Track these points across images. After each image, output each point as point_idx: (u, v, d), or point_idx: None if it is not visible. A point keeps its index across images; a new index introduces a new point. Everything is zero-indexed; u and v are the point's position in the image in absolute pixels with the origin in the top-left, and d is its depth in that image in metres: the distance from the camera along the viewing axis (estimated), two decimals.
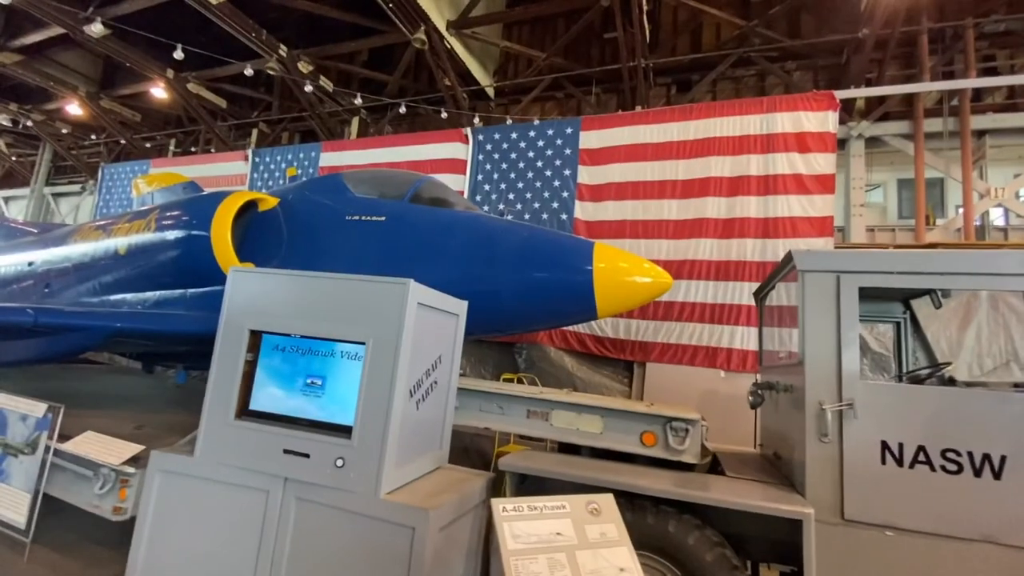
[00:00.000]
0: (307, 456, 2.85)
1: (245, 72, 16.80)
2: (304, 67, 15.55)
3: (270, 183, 11.76)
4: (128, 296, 5.28)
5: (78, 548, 4.35)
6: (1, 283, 6.61)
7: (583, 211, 8.68)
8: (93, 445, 4.03)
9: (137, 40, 16.14)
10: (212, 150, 19.56)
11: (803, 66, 12.95)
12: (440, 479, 3.35)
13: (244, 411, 3.03)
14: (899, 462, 2.90)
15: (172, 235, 4.97)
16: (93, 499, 3.82)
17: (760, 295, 4.76)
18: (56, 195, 24.40)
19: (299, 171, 11.41)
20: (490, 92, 16.00)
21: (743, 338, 7.53)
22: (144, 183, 8.66)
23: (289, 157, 11.79)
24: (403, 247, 4.46)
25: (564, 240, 4.34)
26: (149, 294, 5.16)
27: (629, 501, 3.11)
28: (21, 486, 4.07)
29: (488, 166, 9.45)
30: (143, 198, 8.53)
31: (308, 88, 15.09)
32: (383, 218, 4.61)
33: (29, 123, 21.21)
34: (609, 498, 2.73)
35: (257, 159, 12.16)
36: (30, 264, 6.28)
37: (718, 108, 8.44)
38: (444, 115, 14.35)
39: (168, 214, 5.16)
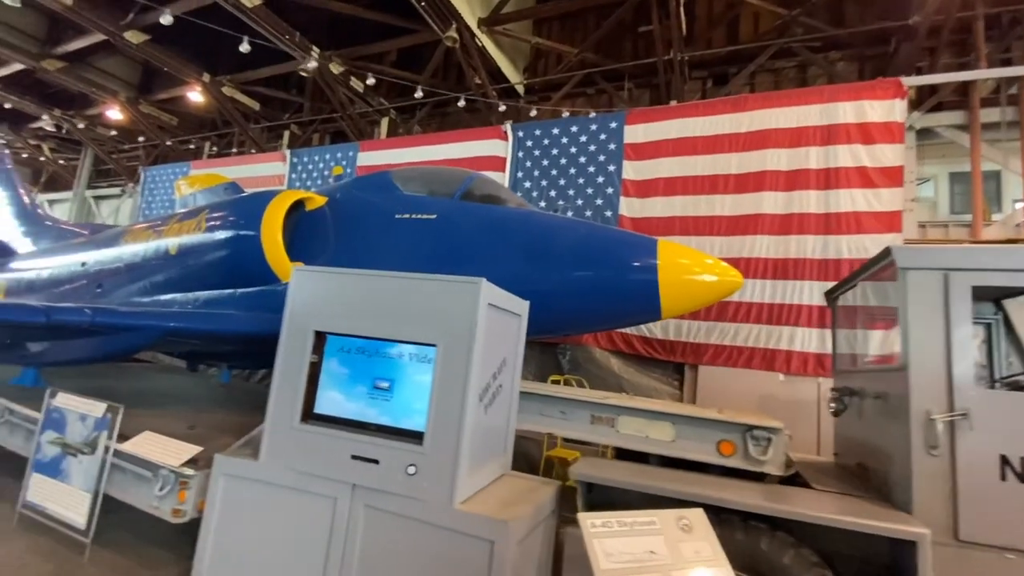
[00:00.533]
0: (376, 462, 2.71)
1: (281, 73, 17.06)
2: (336, 68, 15.59)
3: (308, 183, 11.77)
4: (178, 296, 5.25)
5: (136, 548, 4.30)
6: (55, 283, 6.70)
7: (629, 207, 8.37)
8: (152, 446, 3.97)
9: (175, 45, 16.47)
10: (253, 151, 19.87)
11: (847, 56, 12.42)
12: (509, 487, 3.18)
13: (309, 414, 2.91)
14: (1021, 478, 2.62)
15: (222, 235, 4.91)
16: (153, 500, 3.75)
17: (833, 295, 4.47)
18: (97, 198, 25.07)
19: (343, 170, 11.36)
20: (520, 89, 15.79)
21: (803, 340, 7.14)
22: (186, 184, 8.71)
23: (327, 157, 11.78)
24: (455, 246, 4.30)
25: (626, 237, 4.12)
26: (199, 294, 5.12)
27: (714, 515, 2.89)
28: (81, 486, 4.03)
29: (528, 163, 9.23)
30: (185, 199, 8.58)
31: (356, 86, 15.16)
32: (433, 216, 4.46)
33: (72, 128, 21.82)
34: (700, 513, 2.51)
35: (295, 159, 12.18)
36: (83, 264, 6.32)
37: (773, 99, 8.04)
38: (462, 102, 14.19)
39: (217, 214, 5.10)
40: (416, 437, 2.67)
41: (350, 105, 16.56)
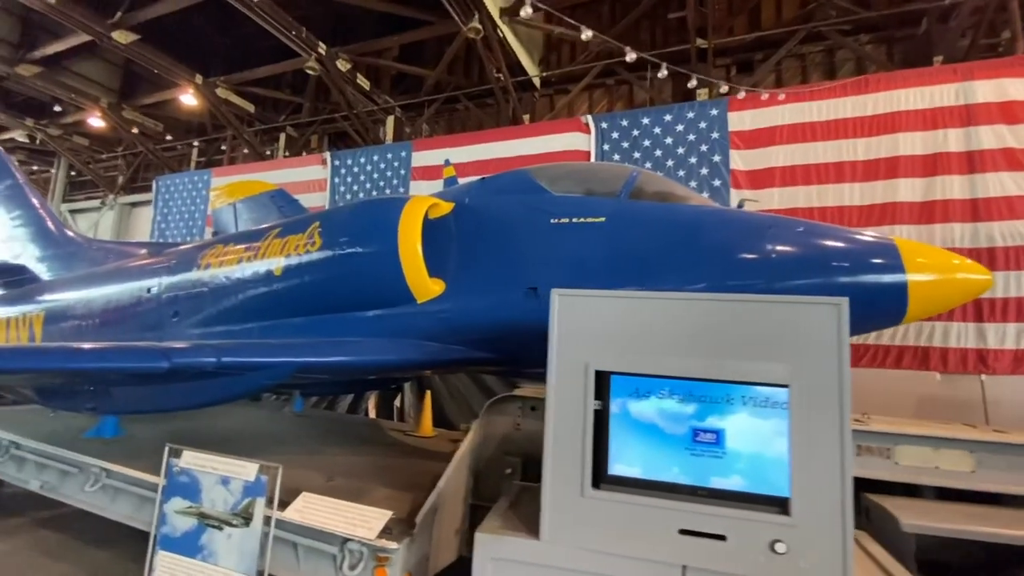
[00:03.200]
0: (723, 538, 2.08)
1: (278, 73, 15.84)
2: (343, 65, 14.55)
3: (354, 187, 10.77)
4: (283, 322, 4.43)
5: None
6: (112, 312, 5.68)
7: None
8: (324, 512, 3.21)
9: (163, 46, 15.10)
10: (238, 157, 18.52)
11: (876, 39, 12.17)
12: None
13: (602, 477, 2.25)
14: None
15: (347, 250, 4.12)
16: None
17: None
18: (74, 211, 23.13)
19: (391, 175, 10.33)
20: (536, 82, 15.09)
21: (959, 335, 6.64)
22: (224, 194, 7.74)
23: (375, 159, 10.81)
24: (637, 253, 3.66)
25: (854, 234, 3.56)
26: (310, 319, 4.32)
27: None
28: (236, 566, 3.24)
29: (616, 156, 8.57)
30: (222, 210, 7.61)
31: (362, 84, 14.16)
32: (602, 219, 3.79)
33: (46, 138, 19.99)
34: None
35: (337, 162, 11.14)
36: (149, 290, 5.36)
37: (900, 79, 7.49)
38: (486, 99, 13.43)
39: (337, 226, 4.29)
40: (776, 504, 2.05)
41: (357, 104, 15.49)
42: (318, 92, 17.43)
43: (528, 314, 3.83)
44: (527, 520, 2.43)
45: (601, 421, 2.30)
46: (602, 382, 2.32)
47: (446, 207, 4.38)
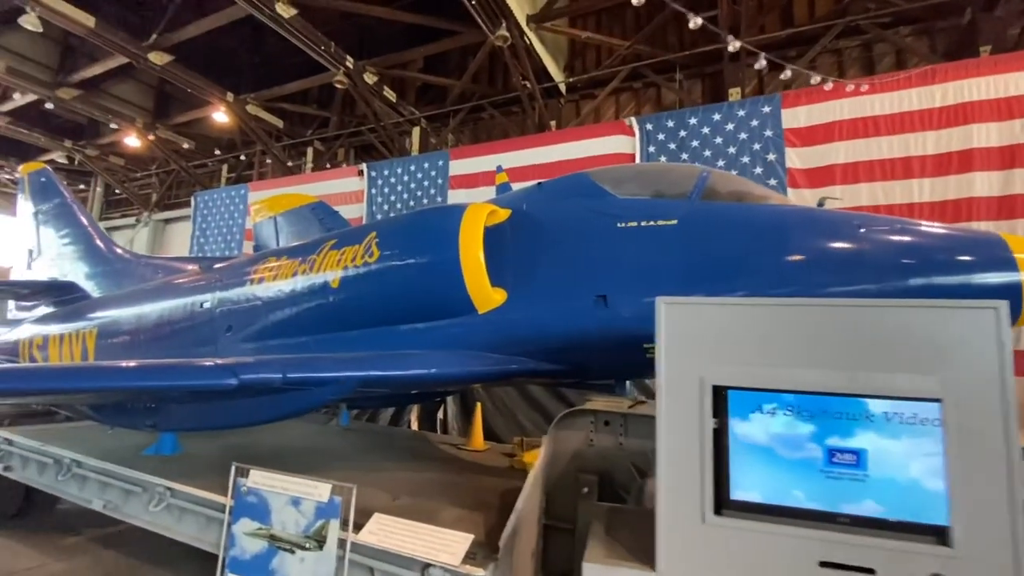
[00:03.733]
0: (871, 572, 1.85)
1: (304, 88, 16.01)
2: (369, 78, 14.63)
3: (392, 199, 10.72)
4: (339, 335, 4.32)
5: None
6: (166, 326, 5.62)
7: (799, 200, 7.33)
8: (402, 535, 3.05)
9: (195, 65, 15.39)
10: (267, 172, 18.76)
11: (917, 31, 11.74)
12: None
13: (724, 503, 2.05)
14: None
15: (406, 260, 3.99)
16: None
17: None
18: (110, 229, 23.68)
19: (428, 185, 10.21)
20: (562, 88, 14.95)
21: None
22: (264, 207, 7.72)
23: (412, 169, 10.75)
24: (716, 256, 3.45)
25: (956, 231, 3.30)
26: (366, 332, 4.19)
27: None
28: None
29: (663, 158, 8.36)
30: (263, 224, 7.59)
31: (389, 96, 14.23)
32: (673, 222, 3.59)
33: (84, 159, 20.57)
34: None
35: (373, 173, 11.12)
36: (203, 305, 5.32)
37: (970, 68, 7.17)
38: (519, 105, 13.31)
39: (396, 236, 4.17)
40: (932, 533, 1.83)
41: (384, 116, 15.54)
42: (344, 106, 17.58)
43: (597, 323, 3.66)
44: (634, 548, 2.22)
45: (719, 441, 2.10)
46: (719, 398, 2.12)
47: (503, 214, 4.23)
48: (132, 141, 18.26)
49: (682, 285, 3.44)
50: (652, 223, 3.67)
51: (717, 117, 8.30)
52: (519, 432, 6.67)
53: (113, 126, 17.76)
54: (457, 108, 15.74)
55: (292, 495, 3.25)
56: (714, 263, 3.47)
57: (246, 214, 12.61)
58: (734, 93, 11.27)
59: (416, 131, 16.07)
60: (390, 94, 15.38)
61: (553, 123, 14.66)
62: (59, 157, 21.51)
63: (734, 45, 12.08)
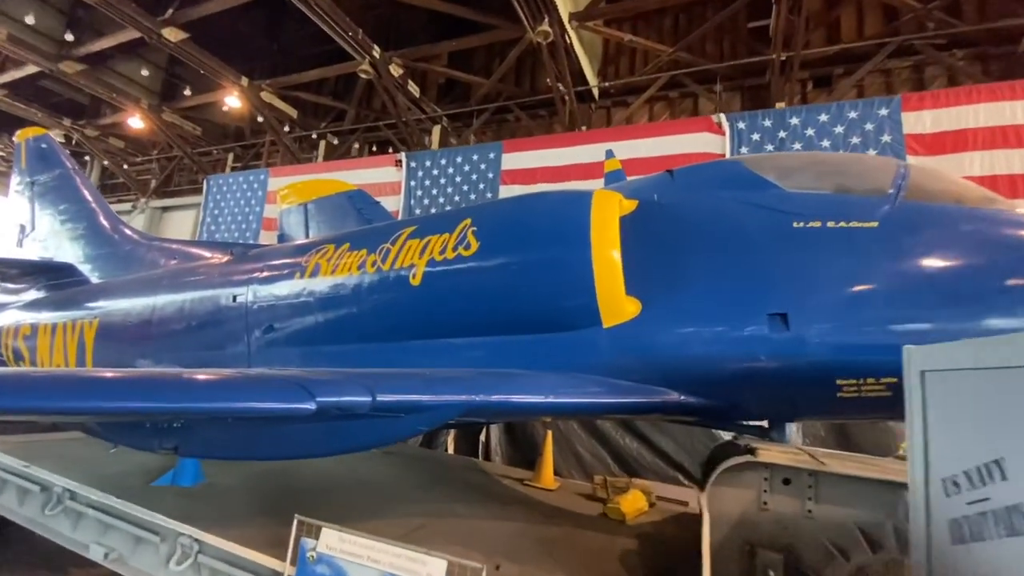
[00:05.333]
0: None
1: (323, 78, 15.08)
2: (395, 70, 13.77)
3: (433, 192, 9.76)
4: (416, 344, 3.41)
5: None
6: (186, 321, 4.57)
7: None
8: None
9: (209, 47, 14.41)
10: (276, 163, 17.72)
11: (970, 56, 11.21)
12: None
13: None
14: None
15: (517, 255, 3.11)
16: None
17: None
18: None
19: (476, 179, 9.24)
20: (595, 93, 14.23)
21: None
22: (292, 194, 6.76)
23: (458, 160, 9.82)
24: (940, 272, 2.63)
25: None
26: (456, 342, 3.29)
27: None
28: None
29: None
30: (291, 211, 6.63)
31: (413, 91, 13.40)
32: (873, 224, 2.77)
33: (83, 139, 19.33)
34: None
35: (413, 164, 10.14)
36: (235, 299, 4.33)
37: None
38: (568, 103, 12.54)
39: (504, 224, 3.29)
40: None
41: (406, 112, 14.64)
42: (362, 99, 16.63)
43: (771, 349, 2.80)
44: None
45: None
46: None
47: (628, 205, 3.36)
48: (135, 122, 17.13)
49: (894, 306, 2.62)
50: (843, 224, 2.84)
51: (824, 118, 7.49)
52: (578, 467, 5.77)
53: (116, 105, 16.62)
54: (482, 108, 14.95)
55: (385, 571, 2.30)
56: (939, 280, 2.64)
57: (264, 201, 11.54)
58: (779, 107, 10.64)
59: (437, 129, 15.19)
60: (414, 88, 14.55)
61: (583, 128, 13.89)
62: (56, 136, 20.21)
63: (782, 56, 11.47)
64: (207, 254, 5.68)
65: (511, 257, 3.16)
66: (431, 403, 2.56)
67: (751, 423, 3.31)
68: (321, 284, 3.89)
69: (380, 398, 2.43)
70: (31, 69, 15.21)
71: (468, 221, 3.37)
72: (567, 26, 11.54)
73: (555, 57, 11.86)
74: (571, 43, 11.95)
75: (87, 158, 22.17)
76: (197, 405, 2.07)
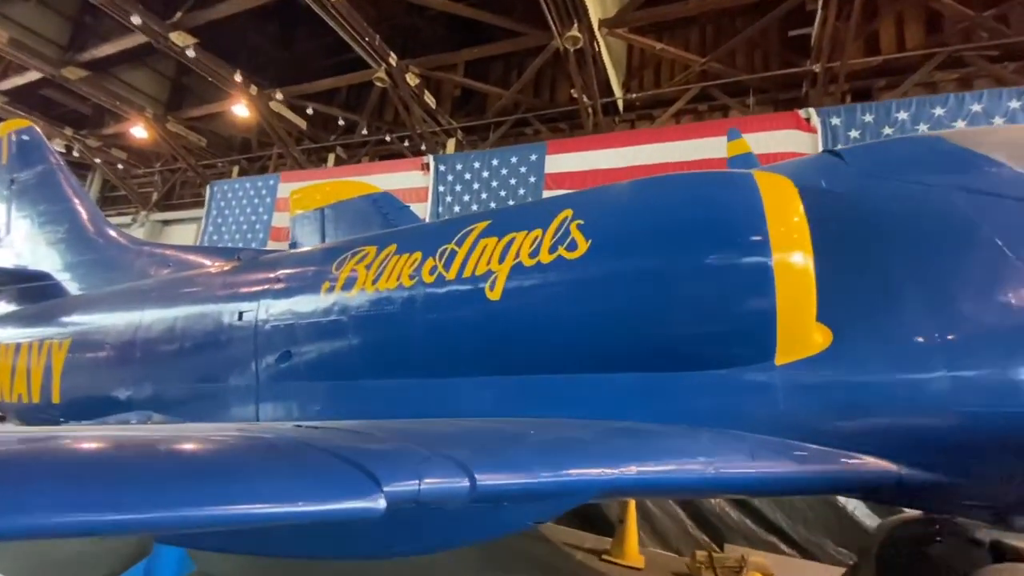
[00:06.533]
0: None
1: (334, 89, 14.31)
2: (411, 79, 13.02)
3: (465, 198, 8.79)
4: (496, 380, 2.40)
5: None
6: (173, 343, 3.50)
7: None
8: None
9: (218, 53, 13.70)
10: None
11: (1020, 68, 10.49)
12: None
13: None
14: None
15: (656, 261, 2.15)
16: None
17: None
18: None
19: (516, 183, 8.22)
20: (619, 105, 13.53)
21: None
22: (305, 197, 5.82)
23: (494, 163, 8.90)
24: None
25: None
26: (549, 379, 2.30)
27: None
28: None
29: None
30: (304, 217, 5.68)
31: (429, 102, 12.65)
32: None
33: (84, 149, 18.50)
34: None
35: (442, 167, 9.19)
36: (241, 316, 3.34)
37: None
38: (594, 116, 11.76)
39: (624, 216, 2.33)
40: None
41: (422, 124, 13.85)
42: (374, 110, 15.88)
43: None
44: None
45: None
46: None
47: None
48: (139, 132, 16.31)
49: None
50: None
51: (939, 112, 6.57)
52: (640, 521, 4.68)
53: (120, 114, 15.81)
54: (500, 120, 14.20)
55: None
56: None
57: (273, 208, 10.54)
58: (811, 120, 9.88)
59: (451, 143, 14.40)
60: (430, 99, 13.81)
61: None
62: (57, 146, 19.40)
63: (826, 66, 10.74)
64: (207, 262, 4.65)
65: (641, 261, 2.19)
66: (554, 485, 1.56)
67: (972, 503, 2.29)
68: (359, 298, 2.89)
69: (482, 481, 1.43)
70: (33, 76, 14.46)
71: (568, 213, 2.41)
72: (596, 33, 10.84)
73: (582, 65, 11.17)
74: (599, 51, 11.25)
75: (87, 173, 21.40)
76: (167, 516, 1.08)
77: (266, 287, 3.40)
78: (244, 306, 3.37)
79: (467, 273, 2.58)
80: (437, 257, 2.73)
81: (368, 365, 2.86)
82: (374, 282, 2.87)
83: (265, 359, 3.16)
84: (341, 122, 16.00)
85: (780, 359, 2.09)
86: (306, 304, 3.17)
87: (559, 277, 2.34)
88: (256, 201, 11.19)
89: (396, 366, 2.75)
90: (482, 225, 2.73)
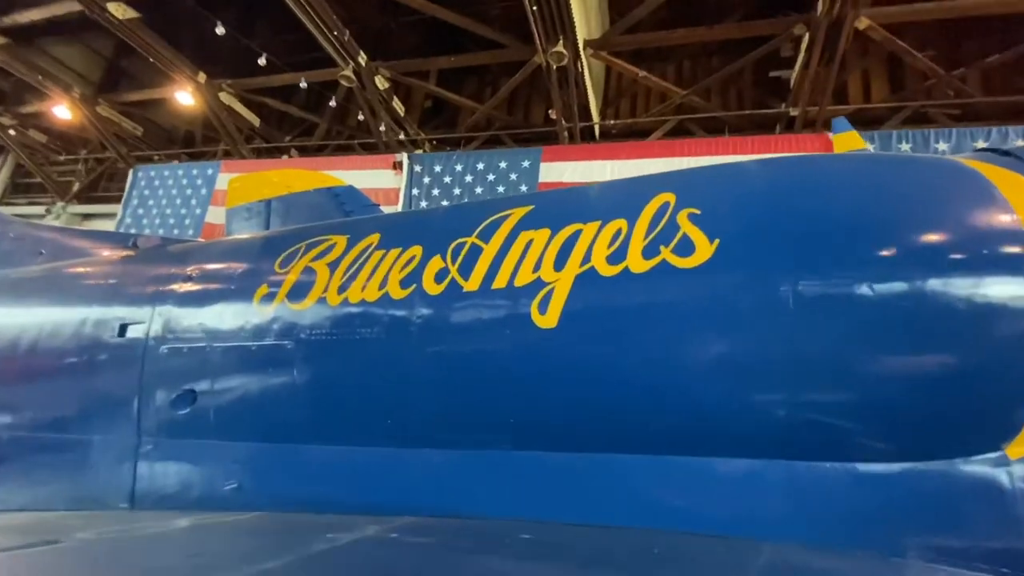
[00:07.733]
0: None
1: (301, 85, 13.09)
2: (381, 83, 12.07)
3: (444, 201, 7.67)
4: (540, 458, 1.40)
5: None
6: (7, 366, 2.18)
7: None
8: None
9: (164, 33, 12.25)
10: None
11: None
12: None
13: None
14: None
15: (826, 282, 1.28)
16: None
17: None
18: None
19: (505, 190, 7.26)
20: (596, 131, 13.16)
21: None
22: (249, 186, 4.65)
23: (479, 167, 7.88)
24: None
25: None
26: (642, 460, 1.33)
27: None
28: None
29: None
30: (242, 209, 4.51)
31: (397, 108, 11.69)
32: None
33: None
34: None
35: (418, 168, 8.05)
36: (122, 331, 2.09)
37: None
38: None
39: (782, 208, 1.42)
40: None
41: (389, 132, 12.83)
42: (336, 113, 14.69)
43: None
44: None
45: None
46: None
47: None
48: (62, 112, 14.31)
49: None
50: None
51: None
52: None
53: (43, 91, 13.77)
54: (472, 135, 13.44)
55: None
56: None
57: (209, 201, 8.96)
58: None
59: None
60: (399, 106, 12.87)
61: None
62: None
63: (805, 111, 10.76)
64: (93, 249, 3.30)
65: (815, 287, 1.29)
66: None
67: None
68: (315, 314, 1.71)
69: None
70: None
71: (670, 198, 1.48)
72: (581, 53, 10.37)
73: (563, 85, 10.67)
74: (582, 71, 10.77)
75: None
76: None
77: (167, 288, 2.15)
78: (129, 315, 2.08)
79: (500, 283, 1.54)
80: (448, 256, 1.70)
81: (322, 422, 1.71)
82: (342, 290, 1.75)
83: (154, 400, 1.87)
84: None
85: (1016, 451, 1.26)
86: (228, 318, 1.95)
87: (663, 296, 1.39)
88: (189, 192, 9.56)
89: (370, 428, 1.60)
90: (521, 211, 1.71)
